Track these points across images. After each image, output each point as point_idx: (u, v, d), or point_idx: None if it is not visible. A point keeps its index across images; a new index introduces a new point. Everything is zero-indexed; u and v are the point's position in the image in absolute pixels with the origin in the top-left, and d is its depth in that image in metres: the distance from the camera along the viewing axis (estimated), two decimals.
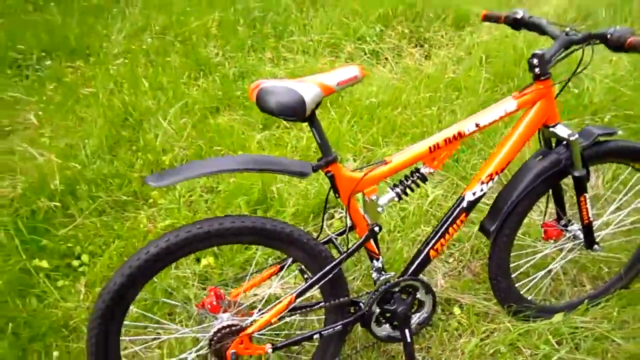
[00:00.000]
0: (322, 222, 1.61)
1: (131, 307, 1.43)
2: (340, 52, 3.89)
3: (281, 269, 1.62)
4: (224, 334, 1.50)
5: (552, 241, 1.95)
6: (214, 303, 1.54)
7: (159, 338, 1.71)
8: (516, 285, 1.93)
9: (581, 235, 1.88)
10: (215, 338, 1.50)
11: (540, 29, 1.64)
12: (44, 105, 3.15)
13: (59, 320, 1.90)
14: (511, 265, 1.87)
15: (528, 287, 2.00)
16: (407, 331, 1.67)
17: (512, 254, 1.85)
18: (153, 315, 1.78)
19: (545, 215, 1.94)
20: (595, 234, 1.89)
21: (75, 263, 2.15)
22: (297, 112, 1.30)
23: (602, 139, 1.72)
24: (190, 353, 1.59)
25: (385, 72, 3.72)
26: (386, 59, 3.89)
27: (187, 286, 1.99)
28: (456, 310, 1.99)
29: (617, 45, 1.44)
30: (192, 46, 3.80)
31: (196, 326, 1.63)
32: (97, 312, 1.38)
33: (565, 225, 1.92)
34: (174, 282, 2.00)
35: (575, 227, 1.91)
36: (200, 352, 1.56)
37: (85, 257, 2.17)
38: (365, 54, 3.94)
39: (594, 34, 1.50)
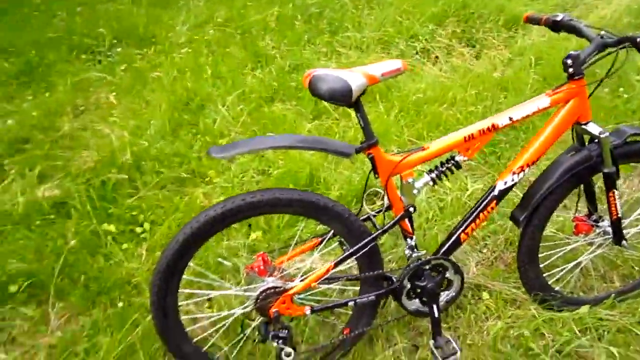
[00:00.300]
0: (362, 200, 1.78)
1: (190, 263, 1.65)
2: (392, 49, 4.03)
3: (322, 241, 1.79)
4: (269, 294, 1.69)
5: (582, 235, 2.05)
6: (261, 267, 1.73)
7: (211, 295, 1.93)
8: (544, 275, 2.04)
9: (610, 231, 1.98)
10: (260, 297, 1.70)
11: (577, 32, 1.75)
12: (114, 88, 3.45)
13: (123, 277, 2.15)
14: (540, 255, 1.99)
15: (556, 277, 2.10)
16: (434, 307, 1.81)
17: (542, 246, 1.96)
18: (207, 275, 1.99)
19: (576, 210, 2.05)
20: (625, 232, 1.98)
21: (138, 230, 2.40)
22: (344, 97, 1.48)
23: (633, 138, 1.82)
24: (238, 310, 1.80)
25: (435, 70, 3.83)
26: (436, 57, 4.00)
27: (237, 255, 2.20)
28: (485, 295, 2.12)
29: None
30: (251, 39, 4.04)
31: (244, 287, 1.83)
32: (160, 267, 1.59)
33: (596, 221, 2.02)
34: (226, 251, 2.21)
35: (606, 223, 2.00)
36: (247, 310, 1.76)
37: (147, 225, 2.42)
38: (417, 52, 4.07)
39: (626, 37, 1.60)
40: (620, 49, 1.66)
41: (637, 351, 1.91)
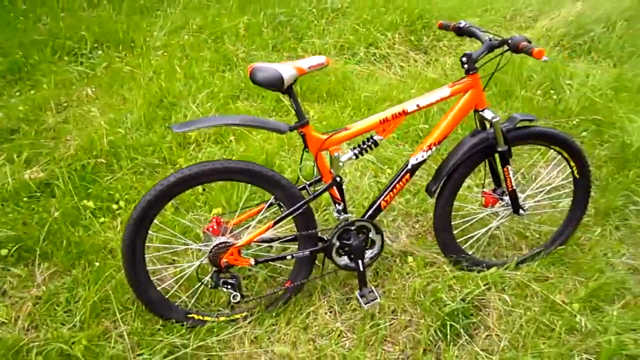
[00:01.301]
0: (299, 170, 2.19)
1: (155, 220, 2.04)
2: (350, 54, 4.48)
3: (267, 206, 2.19)
4: (220, 248, 2.09)
5: (490, 207, 2.48)
6: (215, 227, 2.14)
7: (174, 248, 2.31)
8: (458, 240, 2.47)
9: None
10: (213, 251, 2.09)
11: (475, 35, 2.19)
12: (94, 87, 3.83)
13: (100, 244, 2.52)
14: (455, 223, 2.42)
15: (469, 243, 2.53)
16: (360, 262, 2.23)
17: (458, 215, 2.39)
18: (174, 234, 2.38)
19: (483, 185, 2.49)
20: (525, 203, 2.43)
21: (114, 206, 2.78)
22: (277, 84, 1.89)
23: (522, 124, 2.26)
24: (195, 263, 2.20)
25: (389, 74, 4.28)
26: (391, 63, 4.46)
27: (198, 221, 2.59)
28: (410, 259, 2.53)
29: (514, 49, 1.99)
30: (222, 44, 4.45)
31: (201, 244, 2.23)
32: (131, 220, 1.99)
33: (501, 195, 2.45)
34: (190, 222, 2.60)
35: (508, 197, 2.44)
36: (203, 261, 2.16)
37: (122, 203, 2.79)
38: (376, 58, 4.53)
39: (503, 40, 2.04)
40: (505, 50, 2.11)
41: (520, 295, 2.33)
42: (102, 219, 2.70)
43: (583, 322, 2.17)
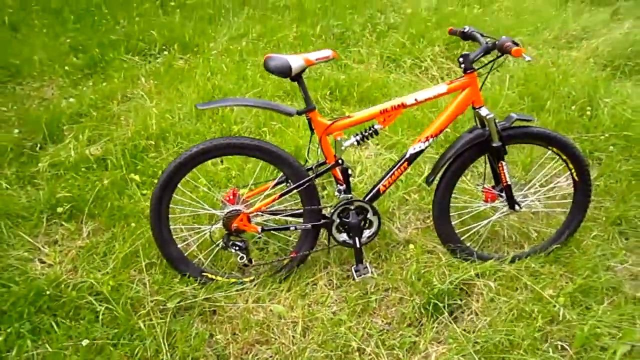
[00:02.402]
0: (307, 152, 2.49)
1: (179, 185, 2.41)
2: (397, 67, 4.76)
3: (277, 183, 2.51)
4: (232, 214, 2.42)
5: (489, 202, 2.66)
6: (231, 197, 2.48)
7: (196, 211, 2.67)
8: (457, 231, 2.67)
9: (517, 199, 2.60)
10: (226, 217, 2.43)
11: (475, 39, 2.41)
12: (157, 82, 4.33)
13: (139, 210, 2.93)
14: (454, 214, 2.63)
15: (469, 234, 2.72)
16: (357, 240, 2.49)
17: (458, 208, 2.60)
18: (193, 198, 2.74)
19: (484, 181, 2.68)
20: (522, 201, 2.61)
21: (156, 181, 3.18)
22: (285, 72, 2.21)
23: (517, 123, 2.45)
24: (213, 227, 2.54)
25: (429, 84, 4.51)
26: (433, 75, 4.69)
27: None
28: (411, 246, 2.75)
29: (500, 49, 2.21)
30: (277, 51, 4.86)
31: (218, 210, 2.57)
32: (158, 184, 2.37)
33: (500, 191, 2.64)
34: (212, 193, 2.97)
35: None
36: (218, 226, 2.50)
37: None
38: (421, 70, 4.79)
39: (494, 43, 2.26)
40: (499, 56, 2.33)
41: (510, 287, 2.49)
42: (144, 191, 3.11)
43: (562, 312, 2.31)
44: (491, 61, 2.42)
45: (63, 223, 2.86)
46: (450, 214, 2.63)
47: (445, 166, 2.51)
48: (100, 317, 2.26)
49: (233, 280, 2.55)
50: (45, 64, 4.51)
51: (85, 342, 2.11)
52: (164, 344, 2.18)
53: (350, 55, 4.84)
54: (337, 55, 2.39)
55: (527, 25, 5.33)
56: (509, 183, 2.54)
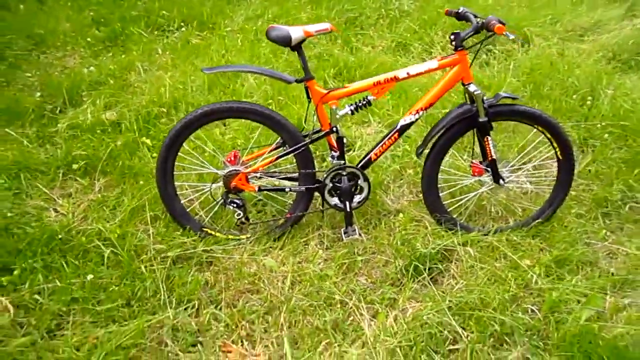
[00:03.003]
0: (305, 119, 2.67)
1: (184, 144, 2.62)
2: (407, 52, 4.92)
3: (276, 147, 2.70)
4: (232, 174, 2.63)
5: (477, 176, 2.82)
6: (232, 158, 2.68)
7: (200, 170, 2.88)
8: (444, 202, 2.84)
9: (502, 174, 2.76)
10: (226, 176, 2.64)
11: (467, 19, 2.56)
12: (173, 56, 4.55)
13: (148, 170, 3.15)
14: (443, 185, 2.80)
15: (456, 206, 2.89)
16: (348, 204, 2.67)
17: (447, 179, 2.78)
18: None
19: (472, 156, 2.84)
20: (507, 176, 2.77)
21: None
22: (285, 42, 2.40)
23: (504, 101, 2.61)
24: (213, 185, 2.75)
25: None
26: None
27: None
28: (400, 215, 2.93)
29: (487, 27, 2.36)
30: None
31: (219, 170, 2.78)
32: (164, 143, 2.58)
33: (487, 166, 2.79)
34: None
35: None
36: (219, 184, 2.71)
37: None
38: (430, 55, 4.93)
39: (482, 23, 2.42)
40: (489, 34, 2.48)
41: (491, 256, 2.66)
42: (154, 154, 3.32)
43: (535, 279, 2.48)
44: (481, 41, 2.57)
45: (77, 178, 3.10)
46: (439, 186, 2.79)
47: (435, 139, 2.68)
48: (106, 260, 2.48)
49: (231, 236, 2.75)
50: (68, 35, 4.77)
51: (90, 277, 2.33)
52: (163, 286, 2.40)
53: (361, 38, 5.01)
54: (335, 28, 2.55)
55: (540, 17, 5.42)
56: (494, 158, 2.69)
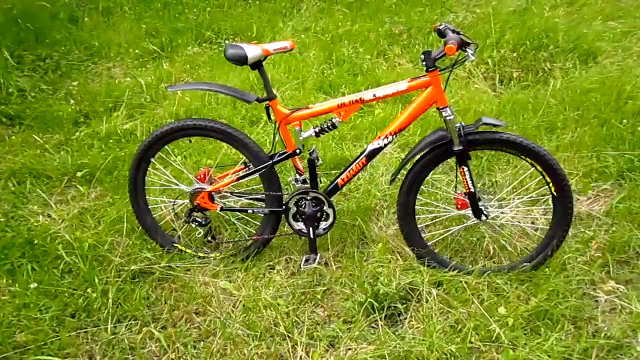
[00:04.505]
0: (274, 142, 2.58)
1: (153, 160, 2.65)
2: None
3: (245, 167, 2.65)
4: (197, 191, 2.62)
5: (460, 210, 2.58)
6: (202, 177, 2.67)
7: (168, 186, 2.89)
8: (423, 235, 2.62)
9: (486, 209, 2.51)
10: (192, 192, 2.64)
11: (444, 36, 2.35)
12: (212, 69, 4.67)
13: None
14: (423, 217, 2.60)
15: (439, 239, 2.67)
16: (312, 230, 2.56)
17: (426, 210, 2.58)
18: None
19: (456, 189, 2.60)
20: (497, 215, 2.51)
21: (172, 158, 3.49)
22: (241, 61, 2.34)
23: (484, 128, 2.35)
24: (180, 201, 2.76)
25: (486, 88, 4.34)
26: (493, 79, 4.50)
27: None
28: (379, 246, 2.75)
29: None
30: (335, 45, 4.99)
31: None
32: (132, 161, 2.64)
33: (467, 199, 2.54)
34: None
35: (481, 203, 2.52)
36: (185, 202, 2.72)
37: (179, 158, 3.49)
38: (482, 72, 4.62)
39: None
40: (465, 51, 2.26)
41: (462, 300, 2.42)
42: (156, 165, 3.42)
43: (497, 332, 2.21)
44: (454, 64, 2.36)
45: (78, 186, 3.26)
46: (418, 217, 2.60)
47: (409, 167, 2.49)
48: (63, 268, 2.58)
49: (201, 254, 2.74)
50: (122, 46, 5.07)
51: (33, 285, 2.43)
52: (110, 300, 2.43)
53: (402, 54, 4.82)
54: (295, 46, 2.46)
55: (614, 30, 4.89)
56: (472, 191, 2.45)
